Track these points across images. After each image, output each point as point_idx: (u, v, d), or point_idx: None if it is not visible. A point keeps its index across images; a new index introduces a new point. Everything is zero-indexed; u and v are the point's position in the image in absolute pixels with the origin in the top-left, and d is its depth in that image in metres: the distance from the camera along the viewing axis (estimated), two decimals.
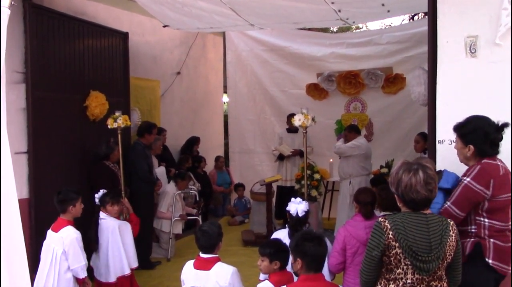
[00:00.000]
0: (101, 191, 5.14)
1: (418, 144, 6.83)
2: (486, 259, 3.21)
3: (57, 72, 5.79)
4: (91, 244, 5.01)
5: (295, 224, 3.99)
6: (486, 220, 3.24)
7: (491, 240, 3.22)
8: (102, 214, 5.11)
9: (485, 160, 3.24)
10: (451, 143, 3.72)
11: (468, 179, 3.20)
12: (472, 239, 3.25)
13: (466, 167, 3.37)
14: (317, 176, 7.93)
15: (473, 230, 3.26)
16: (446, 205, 3.23)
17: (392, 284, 2.73)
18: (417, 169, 2.68)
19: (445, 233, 2.66)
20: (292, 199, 4.08)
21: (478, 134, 3.25)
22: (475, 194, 3.18)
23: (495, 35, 3.60)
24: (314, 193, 7.82)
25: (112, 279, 5.04)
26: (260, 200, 7.95)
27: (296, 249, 3.16)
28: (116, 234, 5.08)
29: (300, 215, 3.98)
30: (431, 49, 3.87)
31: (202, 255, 3.60)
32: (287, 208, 4.06)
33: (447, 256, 2.68)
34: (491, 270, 3.22)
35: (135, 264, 5.26)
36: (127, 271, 5.12)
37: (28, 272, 2.68)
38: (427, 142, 6.33)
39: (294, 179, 8.26)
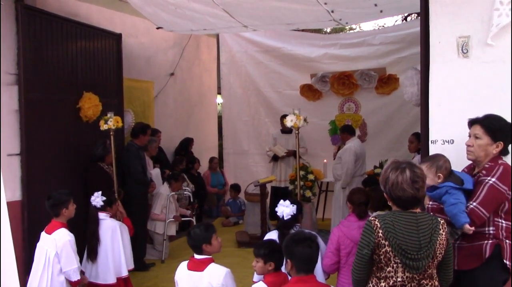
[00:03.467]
0: (96, 194, 5.08)
1: (412, 144, 6.86)
2: (504, 261, 3.18)
3: (50, 74, 5.77)
4: (91, 248, 4.97)
5: (282, 226, 3.97)
6: (504, 221, 3.21)
7: (507, 241, 3.20)
8: (101, 215, 5.07)
9: (501, 161, 3.23)
10: (444, 143, 3.74)
11: (493, 180, 3.15)
12: (491, 241, 3.20)
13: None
14: (311, 176, 7.94)
15: (491, 232, 3.21)
16: (472, 206, 3.15)
17: (383, 282, 2.75)
18: (405, 168, 2.71)
19: (434, 231, 2.68)
20: (281, 201, 4.02)
21: (508, 132, 3.24)
22: (501, 195, 3.15)
23: (487, 35, 3.61)
24: (308, 193, 7.83)
25: (112, 280, 4.99)
26: (254, 201, 7.95)
27: (285, 250, 3.20)
28: (118, 234, 5.06)
29: (285, 218, 3.96)
30: (423, 49, 3.88)
31: (195, 256, 3.60)
32: (276, 209, 4.02)
33: (437, 254, 2.70)
34: (506, 271, 3.21)
35: (131, 266, 5.24)
36: (125, 273, 5.09)
37: (16, 272, 2.67)
38: (420, 142, 6.43)
39: (288, 180, 8.28)
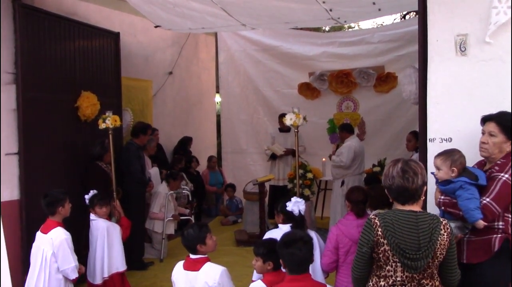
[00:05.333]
0: (91, 192, 5.12)
1: (410, 142, 6.87)
2: None
3: (48, 73, 5.75)
4: (84, 245, 5.00)
5: (299, 223, 3.94)
6: None
7: None
8: (92, 215, 5.11)
9: None
10: (442, 141, 3.74)
11: (506, 176, 3.20)
12: (500, 235, 3.24)
13: None
14: (309, 175, 7.94)
15: (500, 226, 3.25)
16: (485, 201, 3.18)
17: (383, 281, 2.75)
18: (399, 161, 2.76)
19: (435, 231, 2.66)
20: (292, 199, 3.97)
21: None
22: None
23: (485, 33, 3.61)
24: (307, 192, 7.84)
25: (98, 281, 5.01)
26: (253, 199, 7.95)
27: (278, 251, 3.20)
28: (104, 236, 5.05)
29: (302, 213, 3.96)
30: (421, 47, 3.88)
31: (191, 256, 3.60)
32: (288, 208, 3.95)
33: (438, 255, 2.68)
34: None
35: (122, 267, 5.20)
36: (106, 274, 5.05)
37: (8, 271, 2.67)
38: (418, 140, 6.47)
39: (286, 179, 8.28)
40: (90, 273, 5.06)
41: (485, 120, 3.36)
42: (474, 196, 3.17)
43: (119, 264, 5.15)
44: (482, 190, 3.24)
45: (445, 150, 3.45)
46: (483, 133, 3.36)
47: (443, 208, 3.36)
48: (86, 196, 5.12)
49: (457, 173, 3.29)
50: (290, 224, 3.94)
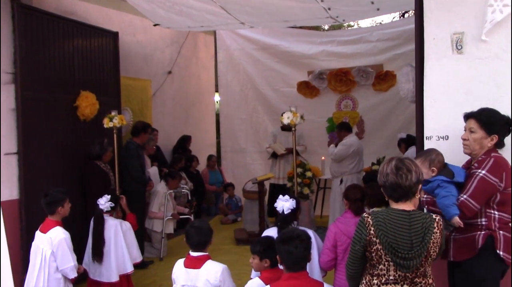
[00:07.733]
0: (105, 198, 5.09)
1: (400, 147, 7.04)
2: (497, 251, 3.22)
3: (47, 72, 5.77)
4: (97, 249, 5.00)
5: (282, 221, 3.99)
6: (496, 212, 3.26)
7: (500, 232, 3.25)
8: (104, 215, 5.11)
9: (494, 153, 3.28)
10: (439, 139, 3.76)
11: (483, 172, 3.21)
12: (483, 232, 3.24)
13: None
14: (309, 174, 7.95)
15: (483, 223, 3.26)
16: (462, 198, 3.20)
17: (376, 279, 2.77)
18: (393, 159, 2.77)
19: (428, 230, 2.67)
20: (280, 196, 4.07)
21: (503, 125, 3.30)
22: (491, 187, 3.20)
23: (481, 31, 3.63)
24: (306, 191, 7.85)
25: (115, 278, 5.03)
26: (253, 198, 7.96)
27: (276, 246, 3.21)
28: (119, 232, 5.09)
29: (285, 212, 3.98)
30: (418, 46, 3.90)
31: (192, 253, 3.61)
32: (275, 205, 4.06)
33: (431, 253, 2.69)
34: (500, 261, 3.25)
35: (139, 258, 5.35)
36: (130, 269, 5.14)
37: (10, 271, 2.68)
38: (406, 144, 6.79)
39: (286, 177, 8.28)
40: (101, 272, 5.03)
41: (466, 117, 3.40)
42: (450, 193, 3.20)
43: (136, 257, 5.27)
44: (462, 187, 3.27)
45: (422, 151, 3.52)
46: (465, 130, 3.40)
47: (426, 206, 3.39)
48: (101, 202, 5.08)
49: (437, 172, 3.34)
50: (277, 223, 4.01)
